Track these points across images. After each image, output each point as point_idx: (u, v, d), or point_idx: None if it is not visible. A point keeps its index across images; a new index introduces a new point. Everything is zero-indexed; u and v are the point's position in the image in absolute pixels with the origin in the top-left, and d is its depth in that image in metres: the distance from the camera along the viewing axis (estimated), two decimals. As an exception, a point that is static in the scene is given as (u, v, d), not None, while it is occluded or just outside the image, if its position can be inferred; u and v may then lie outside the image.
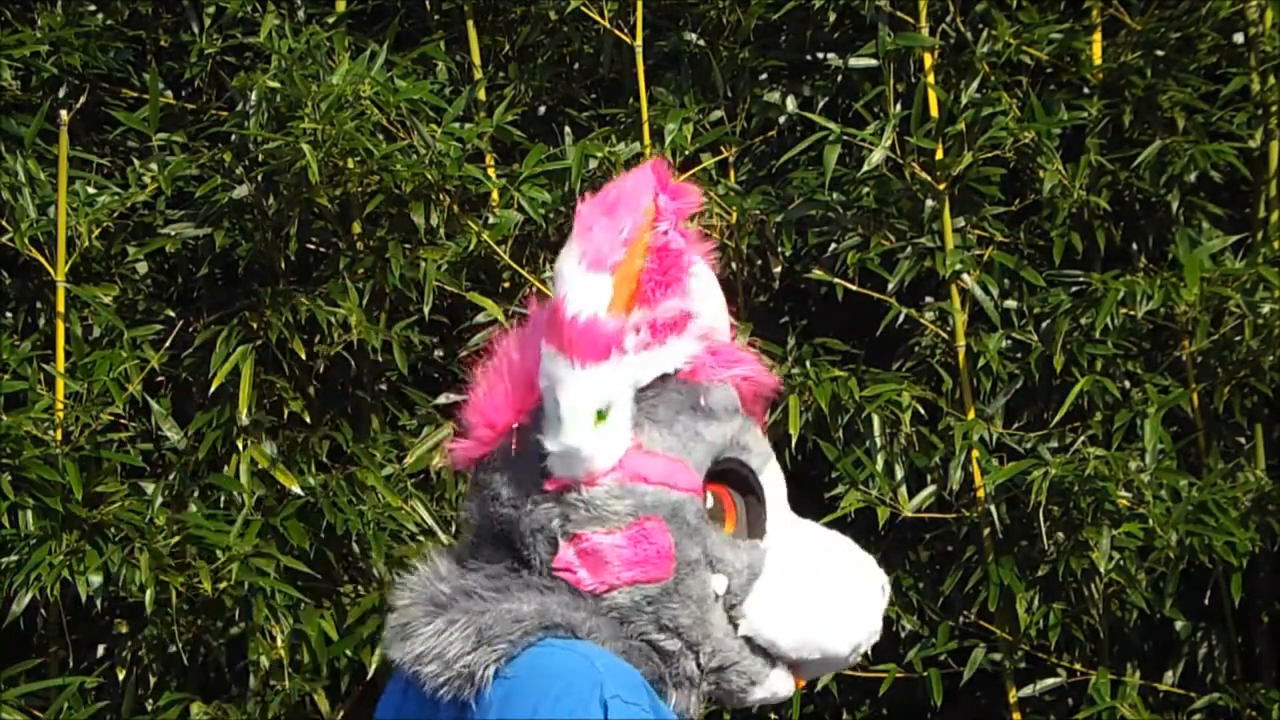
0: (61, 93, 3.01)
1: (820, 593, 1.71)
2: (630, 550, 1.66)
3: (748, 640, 1.68)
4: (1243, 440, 3.00)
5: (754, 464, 1.72)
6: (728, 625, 1.69)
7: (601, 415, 1.66)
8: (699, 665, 1.70)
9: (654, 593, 1.67)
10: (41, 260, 2.79)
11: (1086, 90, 3.03)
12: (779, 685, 1.72)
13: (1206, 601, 2.96)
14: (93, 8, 3.05)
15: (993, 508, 2.81)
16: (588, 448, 1.66)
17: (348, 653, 2.76)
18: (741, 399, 1.74)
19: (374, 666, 2.71)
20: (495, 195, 2.89)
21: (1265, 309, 2.83)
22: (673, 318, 1.70)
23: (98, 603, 2.65)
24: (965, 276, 2.86)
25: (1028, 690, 2.90)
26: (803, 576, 1.71)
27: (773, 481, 1.74)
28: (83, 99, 2.96)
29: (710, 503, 1.70)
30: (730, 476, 1.71)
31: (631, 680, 1.59)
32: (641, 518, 1.66)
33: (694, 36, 3.02)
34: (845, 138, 2.84)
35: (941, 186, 2.86)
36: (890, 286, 2.85)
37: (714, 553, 1.68)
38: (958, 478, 2.79)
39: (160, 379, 2.93)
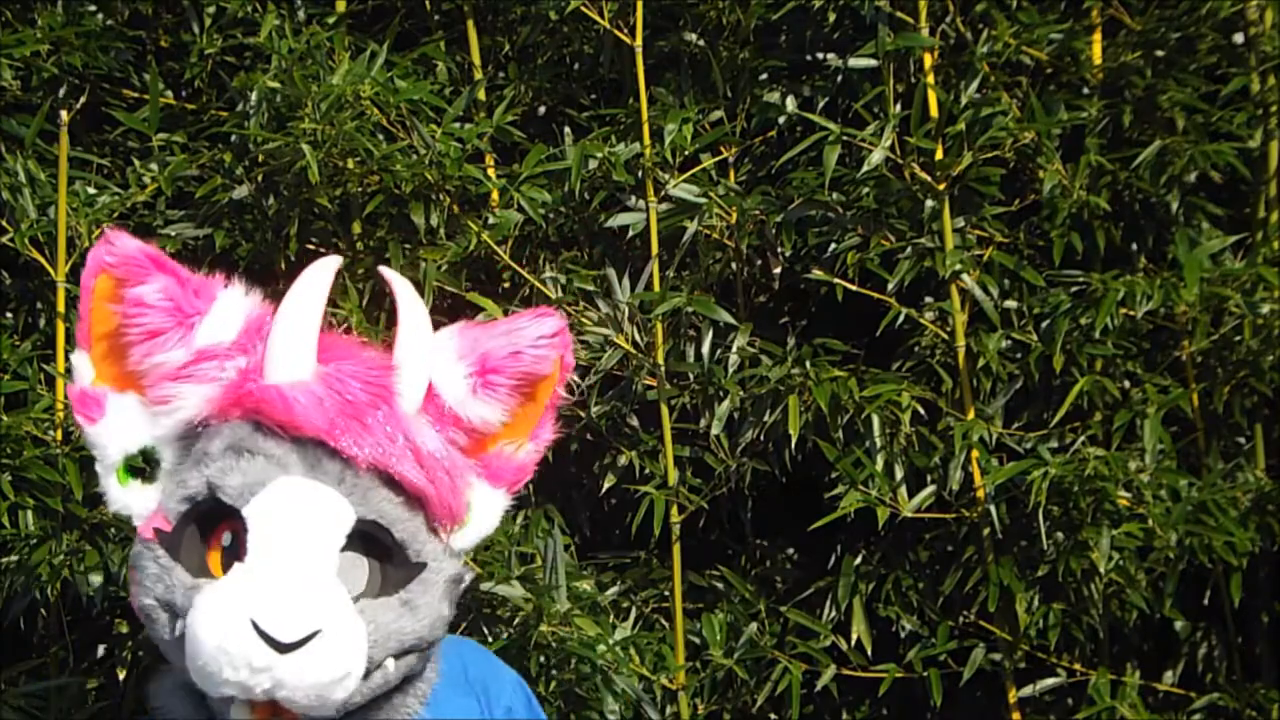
0: (61, 93, 3.01)
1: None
2: None
3: None
4: (1243, 440, 3.00)
5: (231, 499, 1.78)
6: None
7: (124, 474, 1.87)
8: None
9: None
10: (42, 260, 2.79)
11: (1086, 90, 3.03)
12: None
13: (1206, 601, 2.96)
14: (93, 8, 3.04)
15: (992, 508, 2.81)
16: (117, 502, 1.87)
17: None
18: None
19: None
20: (495, 195, 2.89)
21: (1265, 309, 2.83)
22: (179, 368, 1.82)
23: (98, 603, 2.65)
24: (965, 276, 2.86)
25: (1028, 690, 2.90)
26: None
27: (262, 510, 1.76)
28: (83, 99, 2.96)
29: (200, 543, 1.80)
30: (227, 513, 1.78)
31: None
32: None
33: (694, 37, 3.01)
34: (845, 138, 2.84)
35: (941, 187, 2.86)
36: (890, 287, 2.85)
37: (166, 597, 1.79)
38: (957, 478, 2.79)
39: (160, 379, 2.92)
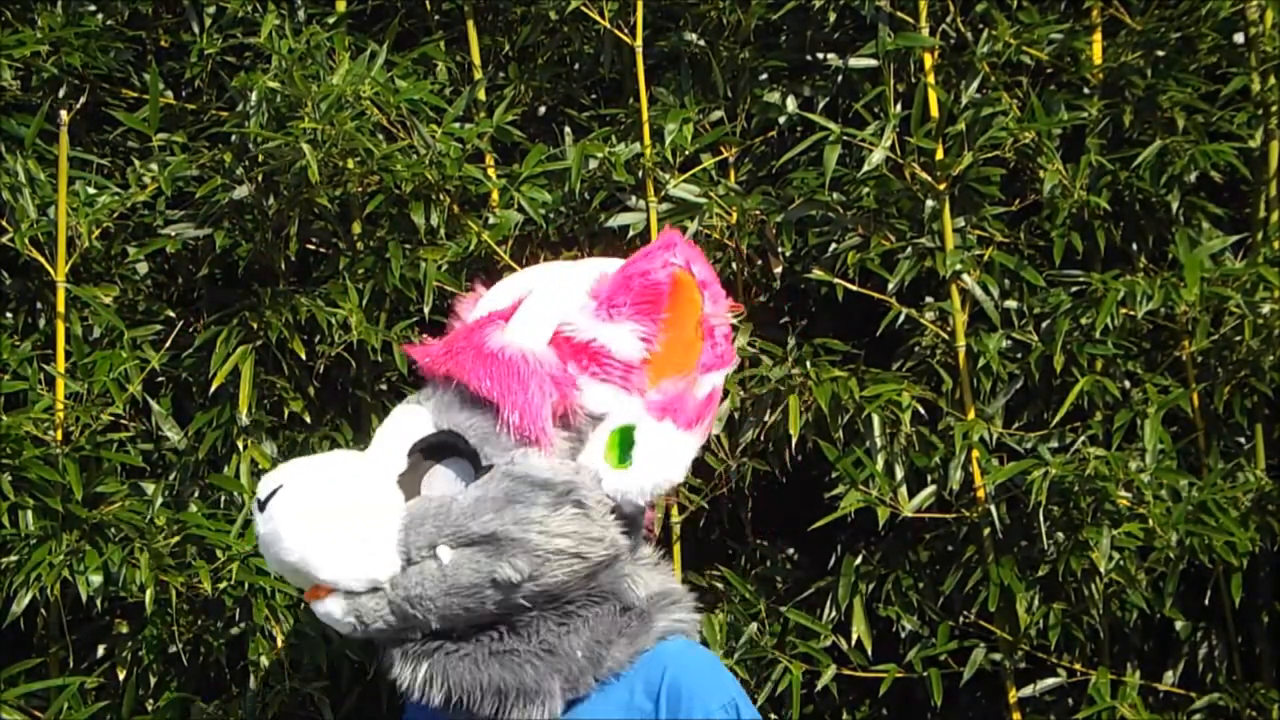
0: (61, 93, 3.01)
1: None
2: None
3: None
4: (1243, 440, 2.99)
5: None
6: None
7: None
8: None
9: None
10: (42, 260, 2.79)
11: (1086, 90, 3.03)
12: None
13: (1206, 601, 2.96)
14: (93, 8, 3.05)
15: (993, 508, 2.81)
16: None
17: (348, 653, 2.76)
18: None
19: (374, 667, 2.71)
20: (495, 195, 2.90)
21: (1265, 309, 2.83)
22: None
23: (98, 603, 2.66)
24: (965, 276, 2.86)
25: (1028, 690, 2.90)
26: None
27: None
28: (83, 99, 2.96)
29: None
30: None
31: None
32: None
33: (694, 36, 3.02)
34: (845, 138, 2.84)
35: (941, 186, 2.86)
36: (890, 286, 2.85)
37: None
38: (958, 478, 2.79)
39: (160, 379, 2.93)
